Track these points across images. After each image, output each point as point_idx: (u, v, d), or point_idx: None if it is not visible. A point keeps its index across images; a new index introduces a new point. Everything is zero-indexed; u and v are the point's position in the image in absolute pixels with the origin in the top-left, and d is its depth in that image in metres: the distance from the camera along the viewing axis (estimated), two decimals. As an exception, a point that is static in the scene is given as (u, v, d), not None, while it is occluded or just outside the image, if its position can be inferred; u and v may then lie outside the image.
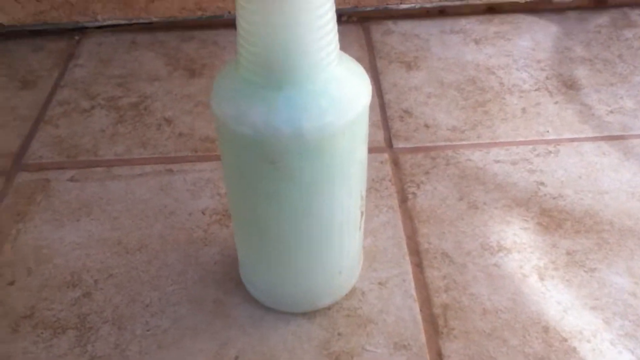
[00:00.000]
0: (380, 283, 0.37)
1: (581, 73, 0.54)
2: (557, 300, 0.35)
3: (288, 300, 0.35)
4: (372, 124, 0.49)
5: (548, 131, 0.48)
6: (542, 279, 0.37)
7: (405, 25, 0.62)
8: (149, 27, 0.63)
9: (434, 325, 0.35)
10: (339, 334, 0.34)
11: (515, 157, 0.46)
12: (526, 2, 0.63)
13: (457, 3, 0.63)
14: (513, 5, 0.64)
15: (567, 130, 0.48)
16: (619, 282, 0.36)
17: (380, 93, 0.53)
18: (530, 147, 0.47)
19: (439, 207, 0.42)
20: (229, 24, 0.63)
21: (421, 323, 0.35)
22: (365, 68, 0.55)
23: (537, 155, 0.46)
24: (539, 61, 0.56)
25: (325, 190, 0.30)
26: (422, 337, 0.34)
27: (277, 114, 0.26)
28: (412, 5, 0.63)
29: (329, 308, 0.35)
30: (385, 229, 0.40)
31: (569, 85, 0.53)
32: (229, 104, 0.28)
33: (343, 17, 0.63)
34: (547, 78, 0.54)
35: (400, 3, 0.63)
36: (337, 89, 0.27)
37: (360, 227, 0.34)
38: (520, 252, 0.38)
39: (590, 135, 0.47)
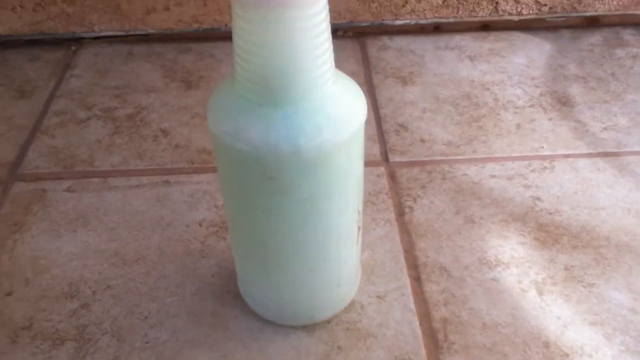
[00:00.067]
0: (379, 296, 0.37)
1: (575, 90, 0.55)
2: (556, 315, 0.35)
3: (287, 313, 0.35)
4: (368, 138, 0.50)
5: (543, 147, 0.49)
6: (540, 293, 0.37)
7: (401, 41, 0.63)
8: (146, 38, 0.63)
9: (434, 340, 0.35)
10: (339, 348, 0.34)
11: (511, 172, 0.46)
12: (520, 20, 0.64)
13: (452, 20, 0.64)
14: (507, 23, 0.65)
15: (562, 147, 0.49)
16: (617, 298, 0.36)
17: (376, 107, 0.53)
18: (526, 162, 0.47)
19: (436, 221, 0.42)
20: (226, 36, 0.63)
21: (421, 337, 0.35)
22: (361, 82, 0.56)
23: (533, 170, 0.46)
24: (533, 78, 0.57)
25: (323, 206, 0.30)
26: (423, 352, 0.34)
27: (275, 131, 0.27)
28: (408, 21, 0.64)
29: (328, 321, 0.35)
30: (382, 243, 0.41)
31: (563, 102, 0.54)
32: (225, 121, 0.28)
33: (339, 32, 0.64)
34: (541, 95, 0.55)
35: (396, 19, 0.64)
36: (333, 107, 0.28)
37: (357, 241, 0.34)
38: (518, 267, 0.38)
39: (585, 151, 0.48)
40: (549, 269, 0.38)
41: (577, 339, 0.34)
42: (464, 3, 0.63)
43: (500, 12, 0.64)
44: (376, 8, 0.63)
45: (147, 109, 0.54)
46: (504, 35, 0.64)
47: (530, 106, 0.53)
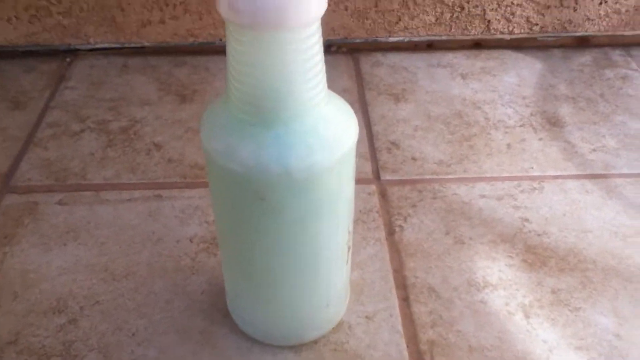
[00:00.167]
0: (367, 317, 0.37)
1: (565, 111, 0.56)
2: (542, 339, 0.36)
3: (275, 333, 0.35)
4: (360, 156, 0.50)
5: (532, 167, 0.49)
6: (527, 317, 0.37)
7: (394, 58, 0.64)
8: (141, 51, 0.63)
9: (421, 361, 0.35)
10: (326, 368, 0.34)
11: (501, 192, 0.47)
12: (512, 39, 0.65)
13: (445, 38, 0.65)
14: (499, 42, 0.65)
15: (551, 167, 0.49)
16: (603, 322, 0.37)
17: (368, 124, 0.54)
18: (515, 182, 0.48)
19: (426, 240, 0.43)
20: (221, 50, 0.63)
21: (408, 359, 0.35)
22: (354, 99, 0.57)
23: (522, 191, 0.47)
24: (524, 97, 0.58)
25: (313, 226, 0.30)
26: (409, 373, 0.34)
27: (266, 152, 0.27)
28: (401, 38, 0.65)
29: (316, 342, 0.36)
30: (372, 262, 0.41)
31: (553, 123, 0.54)
32: (218, 140, 0.28)
33: (333, 48, 0.64)
34: (531, 114, 0.55)
35: (389, 36, 0.64)
36: (325, 128, 0.28)
37: (347, 261, 0.34)
38: (506, 289, 0.39)
39: (574, 172, 0.49)
40: (536, 291, 0.39)
41: (562, 363, 0.35)
42: (457, 21, 0.63)
43: (492, 31, 0.64)
44: (370, 25, 0.63)
45: (141, 122, 0.54)
46: (495, 53, 0.64)
47: (520, 126, 0.54)
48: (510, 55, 0.64)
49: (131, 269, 0.40)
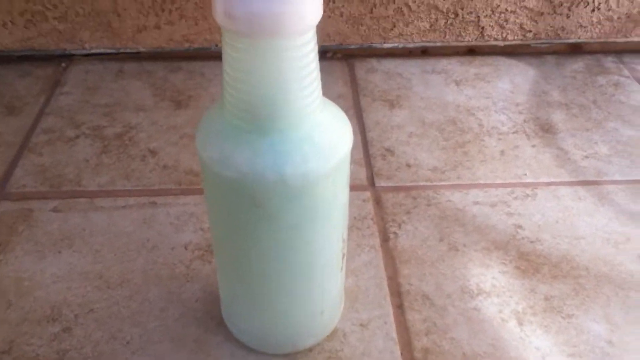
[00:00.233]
0: (361, 324, 0.37)
1: (557, 117, 0.56)
2: (535, 346, 0.36)
3: (270, 341, 0.35)
4: (355, 162, 0.50)
5: (526, 174, 0.49)
6: (520, 324, 0.37)
7: (389, 64, 0.64)
8: (137, 56, 0.63)
9: (415, 369, 0.35)
10: (320, 376, 0.35)
11: (494, 199, 0.47)
12: (505, 45, 0.66)
13: (439, 44, 0.65)
14: (493, 48, 0.66)
15: (544, 174, 0.49)
16: (595, 329, 0.37)
17: (363, 131, 0.54)
18: (509, 189, 0.48)
19: (420, 247, 0.43)
20: (216, 56, 0.63)
21: (402, 366, 0.35)
22: (349, 105, 0.57)
23: (515, 198, 0.47)
24: (517, 104, 0.58)
25: (308, 233, 0.30)
26: (403, 381, 0.34)
27: (262, 159, 0.27)
28: (396, 44, 0.65)
29: (310, 349, 0.36)
30: (367, 269, 0.41)
31: (546, 129, 0.55)
32: (214, 147, 0.28)
33: (328, 54, 0.65)
34: (524, 121, 0.56)
35: (384, 42, 0.65)
36: (320, 136, 0.28)
37: (342, 268, 0.35)
38: (500, 296, 0.39)
39: (567, 179, 0.49)
40: (529, 298, 0.39)
41: (555, 371, 0.35)
42: (451, 28, 0.64)
43: (486, 37, 0.65)
44: (365, 31, 0.63)
45: (136, 128, 0.54)
46: (489, 60, 0.65)
47: (514, 132, 0.54)
48: (504, 62, 0.64)
49: (126, 276, 0.40)
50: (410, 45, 0.65)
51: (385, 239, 0.43)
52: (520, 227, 0.44)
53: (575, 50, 0.66)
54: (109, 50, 0.63)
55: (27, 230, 0.43)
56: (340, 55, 0.65)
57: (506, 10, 0.63)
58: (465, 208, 0.46)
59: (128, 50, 0.63)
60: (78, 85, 0.59)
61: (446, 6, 0.62)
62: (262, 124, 0.27)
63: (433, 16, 0.63)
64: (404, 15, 0.62)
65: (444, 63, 0.64)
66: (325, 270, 0.33)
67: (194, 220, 0.44)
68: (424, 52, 0.66)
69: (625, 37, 0.65)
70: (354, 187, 0.47)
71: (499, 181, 0.49)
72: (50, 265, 0.41)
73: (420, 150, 0.52)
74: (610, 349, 0.36)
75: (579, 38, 0.65)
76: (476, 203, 0.46)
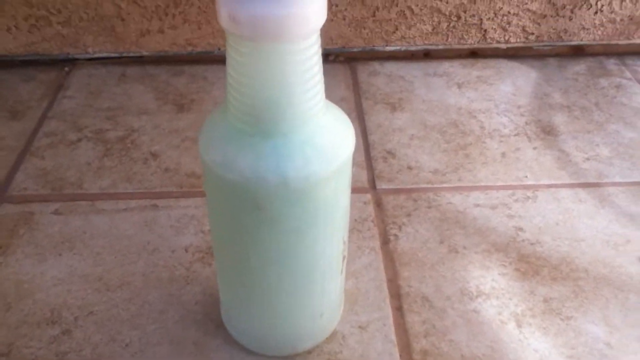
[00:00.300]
0: (361, 327, 0.37)
1: (559, 119, 0.56)
2: (534, 348, 0.36)
3: (269, 344, 0.35)
4: (356, 164, 0.50)
5: (527, 176, 0.49)
6: (519, 326, 0.37)
7: (391, 67, 0.64)
8: (140, 60, 0.64)
9: (413, 371, 0.35)
10: (319, 378, 0.35)
11: (495, 201, 0.47)
12: (508, 48, 0.65)
13: (441, 47, 0.65)
14: (495, 51, 0.66)
15: (545, 176, 0.49)
16: (594, 331, 0.37)
17: (365, 133, 0.54)
18: (510, 192, 0.48)
19: (420, 250, 0.43)
20: (219, 60, 0.64)
21: (400, 369, 0.35)
22: (351, 108, 0.57)
23: (516, 200, 0.47)
24: (519, 106, 0.58)
25: (309, 236, 0.30)
26: (401, 383, 0.34)
27: (264, 162, 0.27)
28: (398, 47, 0.65)
29: (309, 352, 0.36)
30: (367, 271, 0.41)
31: (548, 131, 0.54)
32: (216, 151, 0.28)
33: (331, 57, 0.65)
34: (526, 123, 0.56)
35: (386, 45, 0.65)
36: (322, 139, 0.28)
37: (342, 271, 0.35)
38: (499, 298, 0.39)
39: (567, 181, 0.49)
40: (529, 300, 0.39)
41: (554, 373, 0.35)
42: (453, 30, 0.64)
43: (489, 40, 0.65)
44: (367, 34, 0.64)
45: (139, 131, 0.54)
46: (491, 62, 0.65)
47: (515, 135, 0.54)
48: (506, 65, 0.64)
49: (126, 279, 0.40)
50: (413, 48, 0.65)
51: (385, 241, 0.43)
52: (520, 229, 0.44)
53: (578, 52, 0.66)
54: (112, 55, 0.63)
55: (28, 233, 0.44)
56: (342, 59, 0.65)
57: (509, 12, 0.63)
58: (465, 210, 0.46)
59: (131, 55, 0.63)
60: (81, 89, 0.60)
61: (449, 9, 0.62)
62: (265, 127, 0.27)
63: (435, 19, 0.63)
64: (406, 18, 0.63)
65: (446, 66, 0.64)
66: (325, 273, 0.33)
67: (194, 223, 0.45)
68: (427, 55, 0.66)
69: (628, 39, 0.65)
70: (355, 190, 0.47)
71: (499, 183, 0.49)
72: (50, 268, 0.41)
73: (421, 152, 0.52)
74: (608, 351, 0.36)
75: (581, 40, 0.65)
76: (477, 205, 0.46)
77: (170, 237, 0.43)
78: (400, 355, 0.36)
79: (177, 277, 0.40)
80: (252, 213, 0.29)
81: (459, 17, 0.63)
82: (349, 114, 0.31)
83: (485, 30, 0.64)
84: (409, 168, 0.50)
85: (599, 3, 0.62)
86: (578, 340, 0.36)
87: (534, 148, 0.52)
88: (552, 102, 0.58)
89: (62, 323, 0.37)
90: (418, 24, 0.63)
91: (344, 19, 0.62)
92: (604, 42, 0.65)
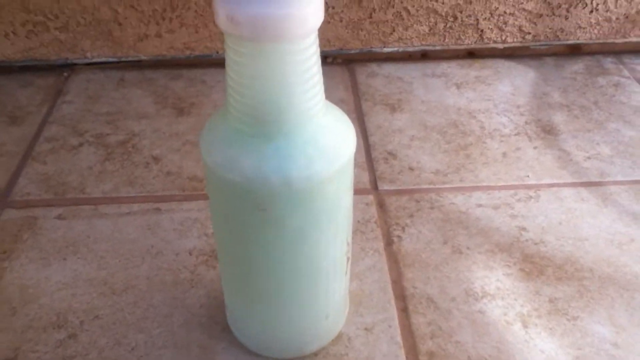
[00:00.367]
0: (366, 328, 0.37)
1: (559, 119, 0.56)
2: (540, 349, 0.36)
3: (274, 346, 0.35)
4: (357, 166, 0.50)
5: (528, 176, 0.49)
6: (525, 326, 0.37)
7: (389, 68, 0.64)
8: (138, 65, 0.63)
9: (420, 372, 0.35)
10: (326, 380, 0.35)
11: (497, 201, 0.47)
12: (505, 48, 0.66)
13: (439, 47, 0.65)
14: (492, 51, 0.66)
15: (547, 176, 0.49)
16: (600, 332, 0.37)
17: (365, 135, 0.54)
18: (512, 191, 0.48)
19: (424, 250, 0.43)
20: (217, 63, 0.64)
21: (407, 370, 0.35)
22: (350, 110, 0.57)
23: (518, 200, 0.47)
24: (518, 106, 0.58)
25: (313, 237, 0.30)
26: (409, 384, 0.34)
27: (267, 163, 0.27)
28: (395, 48, 0.65)
29: (315, 354, 0.36)
30: (371, 273, 0.41)
31: (548, 131, 0.55)
32: (218, 152, 0.28)
33: (329, 59, 0.65)
34: (526, 123, 0.56)
35: (384, 46, 0.65)
36: (324, 138, 0.28)
37: (346, 272, 0.35)
38: (504, 299, 0.39)
39: (569, 180, 0.49)
40: (534, 301, 0.39)
41: (560, 372, 0.35)
42: (450, 31, 0.64)
43: (486, 40, 0.65)
44: (365, 36, 0.64)
45: (139, 135, 0.54)
46: (489, 62, 0.65)
47: (515, 134, 0.54)
48: (503, 64, 0.65)
49: (130, 282, 0.40)
50: (410, 49, 0.65)
51: (389, 242, 0.43)
52: (523, 229, 0.44)
53: (575, 51, 0.66)
54: (110, 59, 0.63)
55: (32, 238, 0.44)
56: (340, 61, 0.65)
57: (505, 12, 0.63)
58: (468, 210, 0.46)
59: (129, 59, 0.63)
60: (80, 94, 0.59)
61: (445, 10, 0.62)
62: (266, 128, 0.27)
63: (432, 20, 0.63)
64: (403, 19, 0.63)
65: (444, 66, 0.64)
66: (330, 274, 0.33)
67: (197, 226, 0.45)
68: (424, 56, 0.66)
69: (624, 37, 0.65)
70: (357, 191, 0.47)
71: (501, 183, 0.49)
72: (55, 273, 0.41)
73: (422, 153, 0.52)
74: (615, 351, 0.36)
75: (578, 39, 0.65)
76: (479, 205, 0.47)
77: (173, 241, 0.43)
78: (406, 357, 0.36)
79: (181, 281, 0.40)
80: (255, 214, 0.29)
81: (455, 18, 0.63)
82: (348, 116, 0.31)
83: (482, 31, 0.64)
84: (411, 169, 0.50)
85: (594, 2, 0.63)
86: (584, 340, 0.36)
87: (535, 147, 0.53)
88: (551, 101, 0.59)
89: (68, 327, 0.37)
90: (415, 25, 0.63)
91: (341, 21, 0.62)
92: (601, 41, 0.65)
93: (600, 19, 0.64)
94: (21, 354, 0.36)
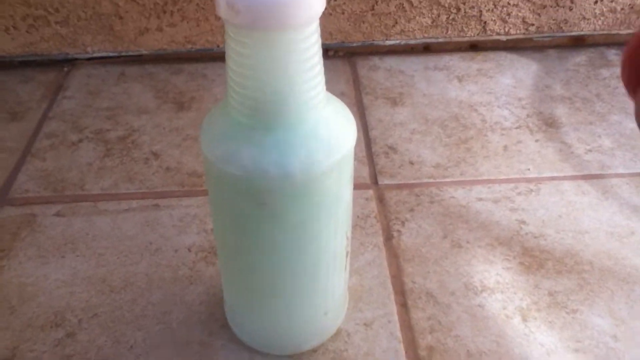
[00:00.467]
0: (365, 324, 0.37)
1: (561, 111, 0.56)
2: (540, 342, 0.36)
3: (274, 342, 0.35)
4: (357, 160, 0.50)
5: (529, 169, 0.49)
6: (525, 320, 0.37)
7: (391, 61, 0.64)
8: (139, 59, 0.63)
9: (419, 367, 0.35)
10: (325, 376, 0.35)
11: (498, 195, 0.47)
12: (508, 40, 0.65)
13: (441, 40, 0.65)
14: (495, 43, 0.65)
15: (548, 169, 0.49)
16: (600, 324, 0.37)
17: (366, 129, 0.54)
18: (512, 185, 0.48)
19: (424, 245, 0.43)
20: (218, 57, 0.63)
21: (406, 365, 0.35)
22: (351, 103, 0.57)
23: (519, 193, 0.47)
24: (520, 99, 0.58)
25: (312, 230, 0.30)
26: (407, 380, 0.34)
27: (266, 155, 0.27)
28: (397, 41, 0.65)
29: (314, 350, 0.36)
30: (370, 268, 0.41)
31: (549, 124, 0.54)
32: (218, 145, 0.28)
33: (330, 52, 0.64)
34: (527, 116, 0.55)
35: (386, 39, 0.64)
36: (324, 131, 0.28)
37: (345, 267, 0.35)
38: (504, 293, 0.39)
39: (570, 173, 0.49)
40: (534, 294, 0.39)
41: (560, 367, 0.35)
42: (453, 23, 0.63)
43: (489, 32, 0.64)
44: (367, 28, 0.63)
45: (139, 130, 0.54)
46: (491, 55, 0.64)
47: (517, 127, 0.54)
48: (506, 57, 0.64)
49: (129, 280, 0.40)
50: (412, 42, 0.65)
51: (388, 237, 0.43)
52: (524, 222, 0.44)
53: (578, 43, 0.65)
54: (111, 54, 0.63)
55: (30, 235, 0.44)
56: (342, 54, 0.65)
57: (508, 3, 0.62)
58: (468, 204, 0.46)
59: (130, 53, 0.63)
60: (80, 89, 0.59)
61: (448, 1, 0.62)
62: (267, 120, 0.27)
63: (435, 12, 0.62)
64: (405, 11, 0.62)
65: (446, 59, 0.64)
66: (329, 269, 0.32)
67: (197, 222, 0.45)
68: (426, 49, 0.65)
69: (629, 28, 0.65)
70: (357, 186, 0.47)
71: (502, 177, 0.48)
72: (53, 270, 0.41)
73: (423, 147, 0.52)
74: (615, 343, 0.36)
75: (581, 31, 0.65)
76: (479, 199, 0.46)
77: (172, 237, 0.43)
78: (406, 352, 0.36)
79: (180, 277, 0.40)
80: (254, 208, 0.28)
81: (458, 9, 0.62)
82: (349, 109, 0.31)
83: (485, 22, 0.64)
84: (411, 163, 0.50)
85: (599, -7, 0.62)
86: (584, 333, 0.36)
87: (536, 140, 0.52)
88: (553, 93, 0.58)
89: (66, 326, 0.37)
90: (417, 17, 0.63)
91: (343, 13, 0.62)
92: (605, 32, 0.65)
93: (604, 9, 0.63)
94: (19, 353, 0.36)
